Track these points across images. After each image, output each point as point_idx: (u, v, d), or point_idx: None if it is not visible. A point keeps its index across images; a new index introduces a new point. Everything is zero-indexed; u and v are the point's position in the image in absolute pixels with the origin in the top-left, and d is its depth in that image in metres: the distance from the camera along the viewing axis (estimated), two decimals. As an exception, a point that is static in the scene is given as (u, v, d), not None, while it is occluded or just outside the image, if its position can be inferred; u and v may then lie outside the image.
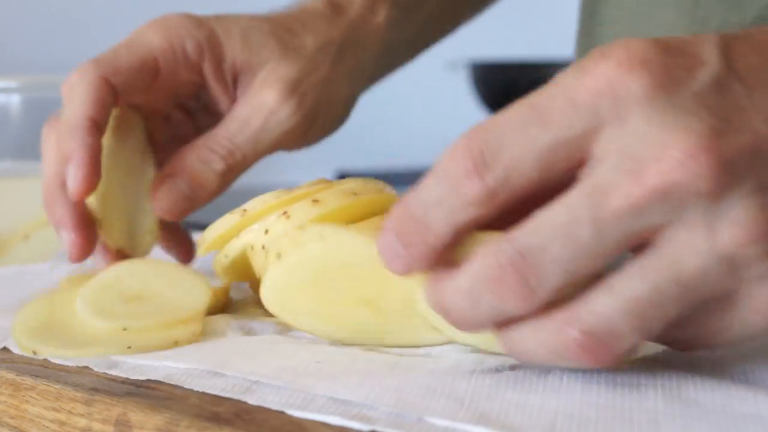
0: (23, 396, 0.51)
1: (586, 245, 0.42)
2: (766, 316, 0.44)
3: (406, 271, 0.46)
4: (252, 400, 0.46)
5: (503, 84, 1.98)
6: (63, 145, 0.65)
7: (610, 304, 0.43)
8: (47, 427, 0.50)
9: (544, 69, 1.78)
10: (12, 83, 0.92)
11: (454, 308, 0.45)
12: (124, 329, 0.56)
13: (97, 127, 0.65)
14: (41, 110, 0.93)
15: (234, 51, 0.70)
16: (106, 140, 0.67)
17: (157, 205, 0.67)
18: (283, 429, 0.43)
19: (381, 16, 0.78)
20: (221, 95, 0.72)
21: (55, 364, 0.53)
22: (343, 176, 1.95)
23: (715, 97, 0.42)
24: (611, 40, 0.44)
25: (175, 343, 0.55)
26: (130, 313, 0.57)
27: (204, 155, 0.68)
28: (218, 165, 0.67)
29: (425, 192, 0.45)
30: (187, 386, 0.48)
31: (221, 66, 0.71)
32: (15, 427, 0.51)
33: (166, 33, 0.69)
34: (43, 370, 0.53)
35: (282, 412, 0.45)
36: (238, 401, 0.46)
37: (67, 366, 0.53)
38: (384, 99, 1.32)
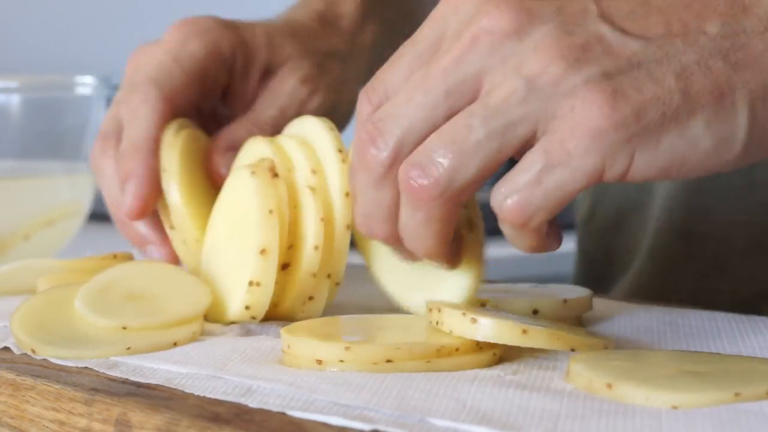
0: (23, 396, 0.51)
1: (419, 101, 0.49)
2: (588, 131, 0.46)
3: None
4: (252, 403, 0.46)
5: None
6: (124, 165, 0.66)
7: (431, 138, 0.49)
8: (47, 427, 0.50)
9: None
10: (12, 83, 0.92)
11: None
12: (124, 328, 0.56)
13: (157, 146, 0.67)
14: (41, 110, 0.93)
15: (261, 51, 0.73)
16: (182, 155, 0.67)
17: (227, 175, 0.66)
18: (284, 429, 0.43)
19: (369, 33, 0.81)
20: (244, 93, 0.73)
21: (55, 364, 0.53)
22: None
23: None
24: None
25: (175, 344, 0.55)
26: (130, 312, 0.57)
27: (255, 132, 0.69)
28: None
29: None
30: (187, 390, 0.48)
31: (250, 65, 0.73)
32: (15, 427, 0.51)
33: (206, 40, 0.71)
34: (43, 370, 0.53)
35: (282, 413, 0.45)
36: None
37: (67, 366, 0.53)
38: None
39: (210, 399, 0.47)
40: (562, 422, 0.42)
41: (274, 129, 0.69)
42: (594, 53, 0.47)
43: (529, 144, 0.48)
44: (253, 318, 0.58)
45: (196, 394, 0.48)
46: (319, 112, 0.71)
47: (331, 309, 0.60)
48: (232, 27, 0.73)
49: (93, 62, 1.64)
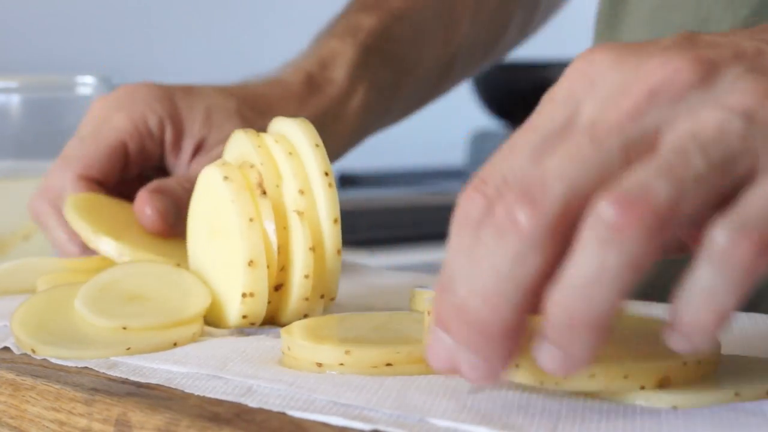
0: (23, 396, 0.51)
1: (587, 157, 0.41)
2: None
3: (491, 379, 0.42)
4: (252, 403, 0.46)
5: (504, 84, 1.97)
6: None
7: (637, 168, 0.41)
8: (47, 427, 0.50)
9: (545, 70, 1.78)
10: (12, 83, 0.92)
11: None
12: (124, 328, 0.56)
13: None
14: (41, 110, 0.93)
15: (195, 127, 0.74)
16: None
17: (150, 215, 0.67)
18: (284, 429, 0.43)
19: (358, 99, 0.80)
20: (176, 165, 0.75)
21: (55, 364, 0.53)
22: (344, 177, 1.95)
23: (689, 42, 0.43)
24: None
25: (175, 344, 0.55)
26: (130, 312, 0.57)
27: (184, 185, 0.69)
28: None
29: (450, 265, 0.42)
30: (187, 390, 0.48)
31: (180, 140, 0.74)
32: (15, 427, 0.51)
33: (129, 114, 0.73)
34: (43, 370, 0.53)
35: (282, 413, 0.45)
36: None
37: (67, 366, 0.53)
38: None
39: (210, 399, 0.47)
40: (562, 422, 0.42)
41: None
42: None
43: (745, 182, 0.41)
44: (252, 324, 0.58)
45: (196, 394, 0.48)
46: None
47: (331, 308, 0.60)
48: (166, 99, 0.74)
49: (93, 62, 1.64)
